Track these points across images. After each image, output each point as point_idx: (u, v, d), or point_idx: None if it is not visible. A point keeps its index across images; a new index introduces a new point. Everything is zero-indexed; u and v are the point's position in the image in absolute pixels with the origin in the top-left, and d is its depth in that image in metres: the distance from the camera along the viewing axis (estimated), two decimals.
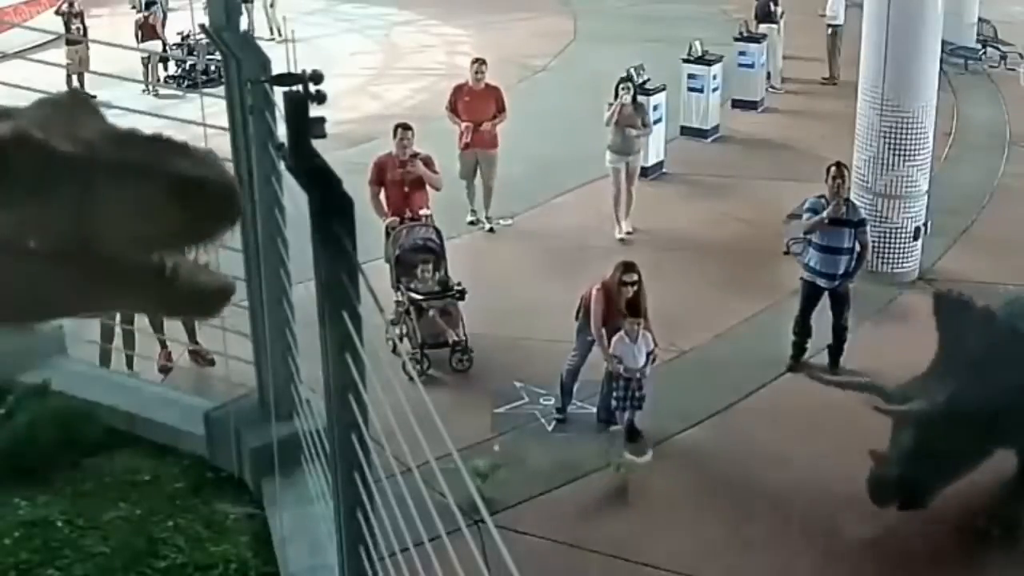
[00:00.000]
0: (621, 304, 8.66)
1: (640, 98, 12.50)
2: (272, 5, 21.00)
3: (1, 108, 2.17)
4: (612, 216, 12.17)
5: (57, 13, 18.20)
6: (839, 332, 9.46)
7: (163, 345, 9.11)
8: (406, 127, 10.63)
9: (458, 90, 12.41)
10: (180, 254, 2.18)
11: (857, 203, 9.89)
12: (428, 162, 10.53)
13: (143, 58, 17.57)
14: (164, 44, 18.70)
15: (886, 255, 11.03)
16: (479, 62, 12.38)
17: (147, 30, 18.30)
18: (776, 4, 17.50)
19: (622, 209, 12.11)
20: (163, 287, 2.20)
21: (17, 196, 2.05)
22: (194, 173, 2.12)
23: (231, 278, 2.30)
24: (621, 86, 12.20)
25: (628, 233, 11.98)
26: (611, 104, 12.17)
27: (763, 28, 17.17)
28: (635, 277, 8.66)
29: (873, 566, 7.31)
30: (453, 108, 12.32)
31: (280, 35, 19.71)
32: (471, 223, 12.14)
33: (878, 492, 7.39)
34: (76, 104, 2.21)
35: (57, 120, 2.14)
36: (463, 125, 12.10)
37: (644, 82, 14.00)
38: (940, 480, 7.36)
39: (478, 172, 12.31)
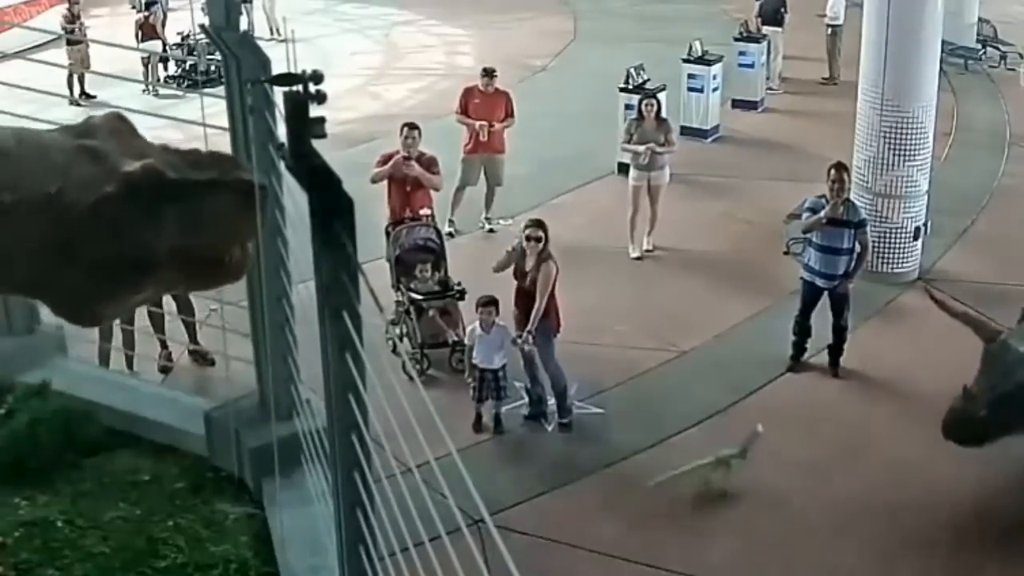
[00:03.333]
0: (521, 263, 8.69)
1: (664, 114, 12.16)
2: (271, 5, 20.93)
3: (90, 142, 2.58)
4: (612, 216, 12.14)
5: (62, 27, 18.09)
6: (839, 332, 9.45)
7: (163, 345, 9.12)
8: (412, 126, 10.59)
9: (468, 92, 12.36)
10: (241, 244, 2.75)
11: (857, 203, 9.88)
12: (432, 162, 10.52)
13: (143, 58, 17.57)
14: (164, 44, 18.70)
15: (886, 255, 11.02)
16: (489, 73, 12.25)
17: (147, 30, 18.31)
18: (786, 10, 17.49)
19: (640, 228, 11.79)
20: (220, 269, 2.83)
21: (141, 222, 2.52)
22: (243, 179, 2.76)
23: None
24: (645, 103, 11.96)
25: (648, 251, 11.77)
26: (635, 120, 11.99)
27: (766, 30, 17.18)
28: (539, 233, 8.62)
29: (874, 565, 7.30)
30: (464, 110, 12.27)
31: (280, 35, 19.71)
32: (449, 234, 11.43)
33: (955, 428, 7.52)
34: (123, 125, 2.66)
35: (130, 145, 2.60)
36: (478, 124, 12.07)
37: (644, 82, 14.02)
38: (1018, 431, 7.46)
39: (480, 178, 12.28)
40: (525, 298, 8.66)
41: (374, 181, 10.43)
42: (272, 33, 19.99)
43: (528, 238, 8.65)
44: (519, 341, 8.59)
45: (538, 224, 8.76)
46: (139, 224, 2.57)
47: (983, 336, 7.73)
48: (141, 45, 17.62)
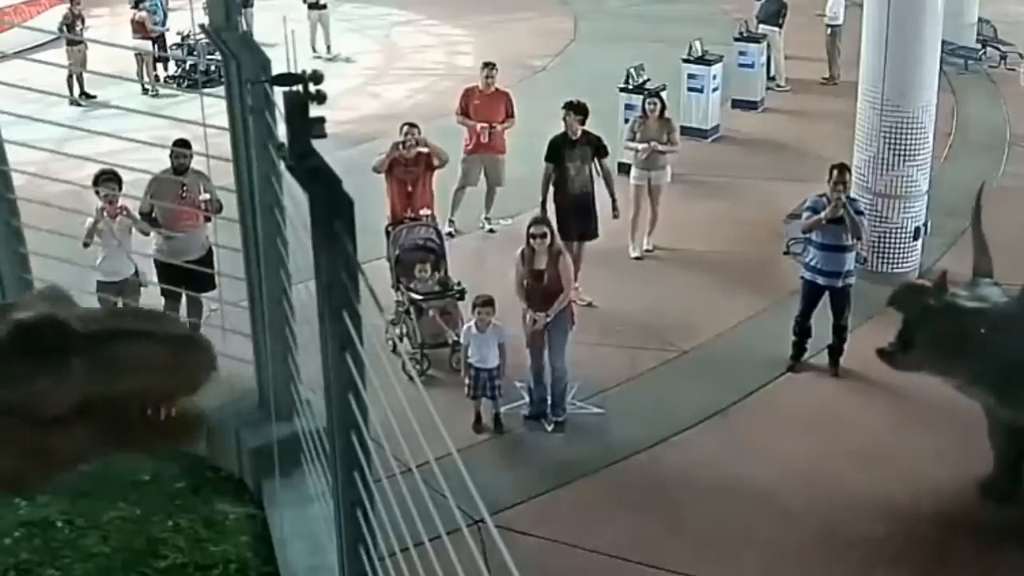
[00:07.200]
0: (533, 265, 8.60)
1: (668, 113, 12.15)
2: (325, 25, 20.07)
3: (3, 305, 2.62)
4: (612, 216, 12.11)
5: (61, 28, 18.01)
6: (839, 332, 9.45)
7: None
8: (412, 124, 10.70)
9: (468, 93, 12.37)
10: (172, 399, 2.60)
11: (855, 198, 9.87)
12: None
13: (136, 55, 17.55)
14: (153, 43, 18.53)
15: (886, 255, 11.02)
16: (489, 66, 12.29)
17: (138, 27, 18.23)
18: (786, 12, 17.48)
19: (640, 228, 11.78)
20: (153, 427, 2.66)
21: (39, 369, 2.42)
22: (179, 332, 2.61)
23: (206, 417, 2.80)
24: (648, 102, 12.00)
25: (648, 251, 11.77)
26: (639, 119, 12.00)
27: (763, 28, 17.19)
28: (544, 229, 8.61)
29: (874, 566, 7.30)
30: (464, 111, 12.28)
31: (329, 52, 19.51)
32: (449, 234, 11.43)
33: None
34: (57, 297, 2.58)
35: (55, 308, 2.49)
36: (479, 126, 12.07)
37: (644, 82, 14.02)
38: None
39: (480, 178, 12.27)
40: (543, 300, 8.60)
41: (376, 170, 10.49)
42: (324, 50, 19.67)
43: (533, 236, 8.61)
44: (536, 317, 8.51)
45: (542, 220, 8.76)
46: (33, 373, 2.41)
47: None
48: (132, 42, 17.56)
